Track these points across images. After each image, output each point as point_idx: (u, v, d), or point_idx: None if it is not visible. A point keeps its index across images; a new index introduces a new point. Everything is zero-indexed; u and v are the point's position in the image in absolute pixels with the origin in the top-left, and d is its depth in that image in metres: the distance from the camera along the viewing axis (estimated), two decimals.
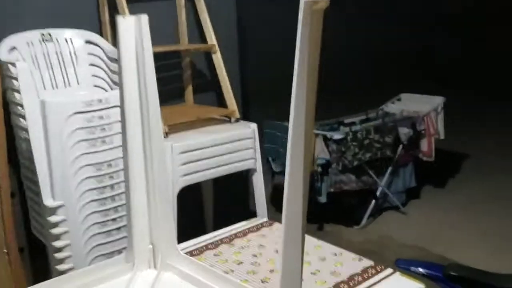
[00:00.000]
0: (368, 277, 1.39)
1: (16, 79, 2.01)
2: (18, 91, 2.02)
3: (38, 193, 2.05)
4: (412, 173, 3.74)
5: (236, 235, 1.70)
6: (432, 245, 3.24)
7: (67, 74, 2.34)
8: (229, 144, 2.61)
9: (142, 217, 1.48)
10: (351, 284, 1.36)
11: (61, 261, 2.06)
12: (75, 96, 2.14)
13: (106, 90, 2.38)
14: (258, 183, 2.80)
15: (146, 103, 1.43)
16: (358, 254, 1.56)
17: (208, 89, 3.16)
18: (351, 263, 1.48)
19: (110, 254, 2.12)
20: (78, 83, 2.33)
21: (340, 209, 3.62)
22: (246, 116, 3.43)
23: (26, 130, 2.03)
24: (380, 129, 3.44)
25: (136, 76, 1.44)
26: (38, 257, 2.23)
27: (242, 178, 3.21)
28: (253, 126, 2.77)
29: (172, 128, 2.60)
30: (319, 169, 3.29)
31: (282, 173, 3.51)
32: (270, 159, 3.46)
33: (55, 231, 2.03)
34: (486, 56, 8.00)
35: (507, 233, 3.35)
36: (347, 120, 3.69)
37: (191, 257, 1.47)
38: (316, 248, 1.58)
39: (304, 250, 1.06)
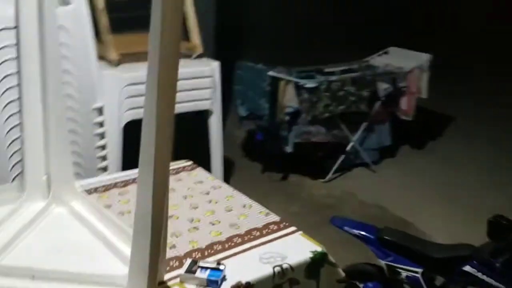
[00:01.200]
0: (267, 233, 1.31)
1: None
2: None
3: None
4: (388, 131, 3.60)
5: None
6: (393, 206, 3.16)
7: None
8: (184, 81, 2.48)
9: (37, 144, 1.38)
10: (245, 238, 1.28)
11: None
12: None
13: None
14: (214, 125, 2.70)
15: (42, 22, 1.29)
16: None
17: None
18: (256, 216, 1.39)
19: None
20: None
21: (307, 161, 3.53)
22: (218, 54, 3.26)
23: None
24: (358, 81, 3.27)
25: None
26: None
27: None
28: (215, 64, 2.62)
29: (126, 58, 2.46)
30: (287, 117, 3.16)
31: (248, 118, 3.41)
32: (238, 102, 3.32)
33: None
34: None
35: (471, 204, 3.25)
36: (327, 69, 3.51)
37: (86, 195, 1.38)
38: (227, 198, 1.49)
39: (164, 196, 0.95)
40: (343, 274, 1.34)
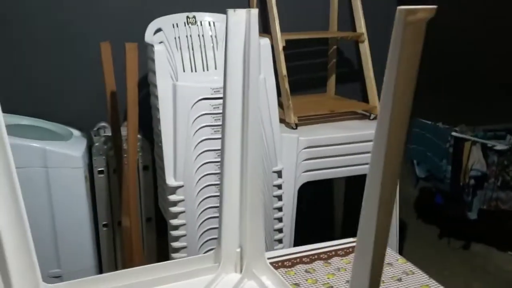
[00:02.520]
0: None
1: (154, 61, 2.11)
2: (155, 73, 2.11)
3: (163, 172, 2.14)
4: None
5: (336, 253, 1.53)
6: None
7: (206, 58, 2.38)
8: (360, 144, 2.41)
9: (233, 217, 1.42)
10: None
11: (176, 238, 2.14)
12: (205, 82, 2.15)
13: None
14: None
15: (247, 102, 1.34)
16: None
17: (353, 80, 2.96)
18: None
19: None
20: (215, 68, 2.35)
21: (495, 230, 3.14)
22: None
23: (159, 111, 2.12)
24: None
25: (241, 71, 1.36)
26: (163, 228, 2.35)
27: None
28: None
29: (303, 120, 2.49)
30: (472, 181, 2.86)
31: (427, 179, 3.17)
32: (414, 162, 3.12)
33: (173, 209, 2.11)
34: None
35: None
36: None
37: (275, 270, 1.36)
38: (408, 273, 1.34)
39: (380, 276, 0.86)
40: None
